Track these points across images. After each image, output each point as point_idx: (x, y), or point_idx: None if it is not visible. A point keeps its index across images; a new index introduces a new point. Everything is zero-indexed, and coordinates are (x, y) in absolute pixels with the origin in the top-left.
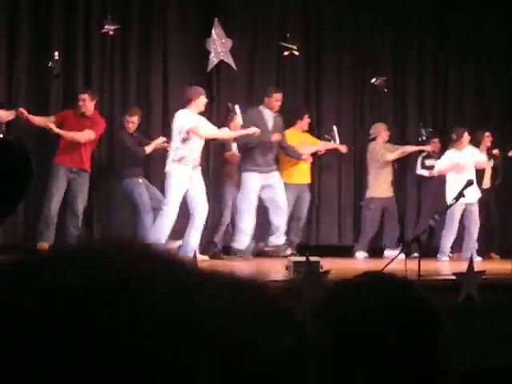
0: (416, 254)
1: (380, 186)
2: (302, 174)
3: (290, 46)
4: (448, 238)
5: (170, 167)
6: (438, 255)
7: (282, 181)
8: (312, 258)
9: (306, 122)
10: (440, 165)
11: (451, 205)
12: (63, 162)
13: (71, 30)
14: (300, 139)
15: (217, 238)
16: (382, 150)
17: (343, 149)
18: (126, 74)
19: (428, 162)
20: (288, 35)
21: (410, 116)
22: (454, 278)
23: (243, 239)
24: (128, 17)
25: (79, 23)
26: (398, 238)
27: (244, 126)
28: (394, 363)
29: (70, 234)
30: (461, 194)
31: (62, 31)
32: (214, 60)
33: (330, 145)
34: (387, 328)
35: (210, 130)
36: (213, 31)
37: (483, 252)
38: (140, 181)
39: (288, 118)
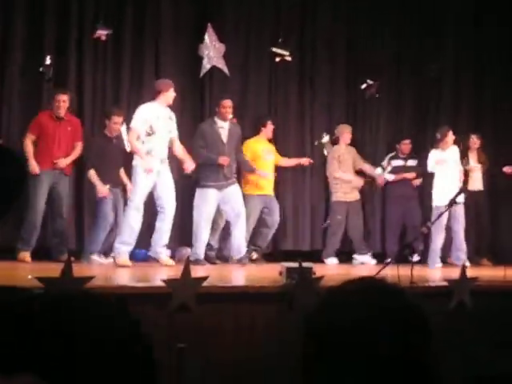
0: (416, 258)
1: (342, 190)
2: (267, 184)
3: (281, 51)
4: (438, 242)
5: (137, 161)
6: (429, 261)
7: (240, 193)
8: (305, 264)
9: (269, 129)
10: (429, 166)
11: (442, 213)
12: (43, 167)
13: (63, 33)
14: (263, 147)
15: (212, 241)
16: (335, 165)
17: (305, 162)
18: (118, 79)
19: (394, 163)
20: (280, 40)
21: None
22: (446, 284)
23: (201, 249)
24: (121, 22)
25: (71, 27)
26: (366, 243)
27: (196, 141)
28: (387, 371)
29: (53, 240)
30: (453, 202)
31: (54, 35)
32: (206, 65)
33: (294, 161)
34: (380, 336)
35: (132, 138)
36: (206, 36)
37: (475, 258)
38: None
39: (255, 124)
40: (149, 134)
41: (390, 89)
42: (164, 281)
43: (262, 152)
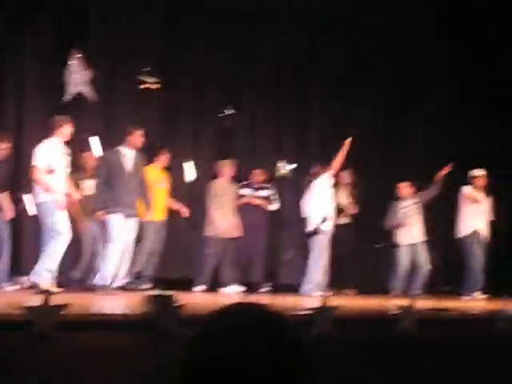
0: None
1: (221, 223)
2: (161, 210)
3: (147, 79)
4: (314, 271)
5: (40, 198)
6: (306, 287)
7: (137, 222)
8: (167, 292)
9: (165, 157)
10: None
11: (310, 233)
12: None
13: None
14: (160, 176)
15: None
16: (211, 201)
17: (185, 213)
18: None
19: (242, 191)
20: (147, 69)
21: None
22: (308, 313)
23: (107, 276)
24: None
25: None
26: (234, 275)
27: (101, 169)
28: None
29: None
30: (316, 230)
31: None
32: (71, 91)
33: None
34: (253, 361)
35: (37, 175)
36: (71, 62)
37: (338, 287)
38: None
39: (149, 153)
40: (50, 171)
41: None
42: (25, 307)
43: (159, 180)
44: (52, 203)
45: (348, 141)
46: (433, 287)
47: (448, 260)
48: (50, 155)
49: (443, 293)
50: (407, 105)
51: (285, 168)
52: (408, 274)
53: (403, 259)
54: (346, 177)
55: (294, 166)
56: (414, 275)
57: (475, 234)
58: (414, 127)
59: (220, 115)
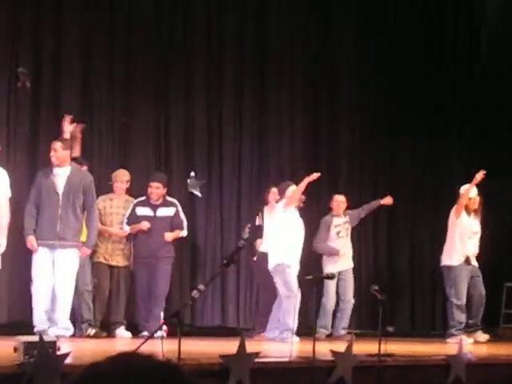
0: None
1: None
2: None
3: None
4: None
5: None
6: (286, 335)
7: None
8: (47, 338)
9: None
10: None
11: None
12: None
13: None
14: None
15: None
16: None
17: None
18: None
19: (140, 211)
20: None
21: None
22: (220, 361)
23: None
24: None
25: None
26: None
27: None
28: None
29: None
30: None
31: None
32: None
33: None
34: None
35: None
36: None
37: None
38: None
39: None
40: None
41: None
42: None
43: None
44: None
45: (312, 177)
46: (373, 326)
47: (391, 293)
48: None
49: (387, 334)
50: None
51: (197, 181)
52: (334, 309)
53: (331, 291)
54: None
55: (204, 180)
56: (341, 310)
57: (466, 261)
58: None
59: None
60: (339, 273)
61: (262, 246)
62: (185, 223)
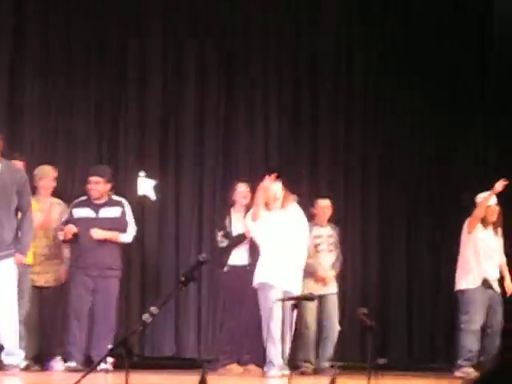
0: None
1: None
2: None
3: None
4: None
5: None
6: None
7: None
8: None
9: None
10: None
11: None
12: None
13: None
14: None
15: None
16: None
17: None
18: None
19: (77, 212)
20: None
21: None
22: None
23: None
24: None
25: None
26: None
27: None
28: None
29: None
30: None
31: None
32: None
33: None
34: None
35: None
36: None
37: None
38: None
39: None
40: None
41: None
42: None
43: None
44: None
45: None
46: (361, 357)
47: (383, 317)
48: None
49: (377, 367)
50: None
51: (147, 182)
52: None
53: (310, 316)
54: None
55: (155, 182)
56: (324, 339)
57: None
58: None
59: None
60: (321, 296)
61: (232, 257)
62: (131, 226)
